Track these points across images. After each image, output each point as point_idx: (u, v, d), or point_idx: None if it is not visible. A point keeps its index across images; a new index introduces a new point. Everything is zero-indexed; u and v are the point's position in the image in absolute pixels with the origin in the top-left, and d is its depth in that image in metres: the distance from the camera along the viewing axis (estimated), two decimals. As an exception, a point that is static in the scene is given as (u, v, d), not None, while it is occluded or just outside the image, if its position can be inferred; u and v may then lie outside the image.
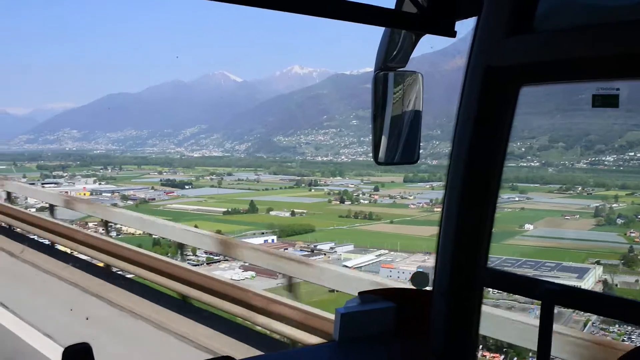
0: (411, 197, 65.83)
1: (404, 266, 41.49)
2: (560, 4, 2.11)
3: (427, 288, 2.77)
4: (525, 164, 66.91)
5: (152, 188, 72.74)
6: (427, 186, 67.28)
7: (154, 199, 68.14)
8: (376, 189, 70.16)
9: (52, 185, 69.60)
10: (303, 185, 75.02)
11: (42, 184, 69.83)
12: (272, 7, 2.04)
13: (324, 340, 4.62)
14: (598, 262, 39.72)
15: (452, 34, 2.44)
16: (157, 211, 62.34)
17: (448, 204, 2.43)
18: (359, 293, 2.87)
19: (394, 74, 2.67)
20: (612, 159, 58.98)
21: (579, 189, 60.37)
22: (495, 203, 2.38)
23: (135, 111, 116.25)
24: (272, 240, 50.50)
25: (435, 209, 57.86)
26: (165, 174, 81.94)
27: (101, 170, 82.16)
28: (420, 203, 62.21)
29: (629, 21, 1.82)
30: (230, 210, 62.39)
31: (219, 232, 50.71)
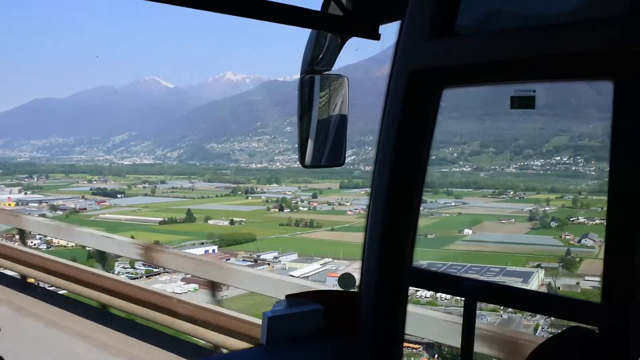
0: (348, 204, 65.22)
1: (350, 274, 40.47)
2: (479, 9, 2.15)
3: (354, 289, 2.74)
4: (457, 169, 67.73)
5: (83, 197, 68.86)
6: (362, 192, 66.74)
7: (85, 209, 64.44)
8: (314, 196, 69.08)
9: (-27, 195, 65.04)
10: (239, 192, 72.98)
11: (-38, 194, 65.13)
12: (192, 6, 1.93)
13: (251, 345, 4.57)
14: (539, 266, 39.99)
15: (376, 36, 2.40)
16: (90, 222, 58.87)
17: (373, 206, 2.45)
18: (287, 296, 2.82)
19: (320, 77, 2.61)
20: (540, 164, 60.40)
21: (511, 193, 61.39)
22: (420, 204, 2.41)
23: (63, 117, 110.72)
24: (213, 250, 48.29)
25: (375, 215, 57.43)
26: (95, 182, 77.98)
27: (26, 179, 77.29)
28: (357, 209, 61.32)
29: (544, 25, 1.92)
30: (166, 219, 59.67)
31: (156, 242, 48.35)
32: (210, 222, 59.56)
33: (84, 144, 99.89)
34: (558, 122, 56.28)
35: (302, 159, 2.66)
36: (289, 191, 71.42)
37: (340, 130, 2.71)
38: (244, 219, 60.29)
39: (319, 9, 2.45)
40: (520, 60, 1.96)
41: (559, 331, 2.15)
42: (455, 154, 67.90)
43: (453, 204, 60.39)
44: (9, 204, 63.72)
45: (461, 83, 2.28)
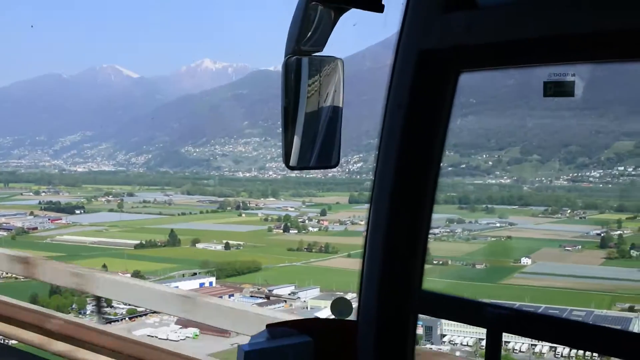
0: (362, 222, 62.95)
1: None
2: None
3: (351, 317, 2.68)
4: (494, 181, 65.96)
5: (31, 214, 65.54)
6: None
7: (35, 228, 61.14)
8: (323, 213, 66.65)
9: None
10: (229, 208, 70.20)
11: None
12: None
13: None
14: (632, 309, 37.84)
15: (378, 8, 2.37)
16: (44, 244, 55.85)
17: (374, 217, 2.35)
18: (267, 325, 2.67)
19: (308, 59, 2.47)
20: (599, 175, 58.91)
21: (568, 211, 59.53)
22: (431, 213, 2.25)
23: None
24: (210, 283, 45.33)
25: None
26: (44, 194, 74.73)
27: (-47, 191, 74.07)
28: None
29: None
30: (144, 242, 56.43)
31: (137, 273, 45.40)
32: (199, 245, 56.45)
33: (25, 146, 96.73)
34: (621, 123, 54.64)
35: (286, 158, 2.45)
36: (292, 207, 68.82)
37: (334, 124, 2.52)
38: (241, 242, 57.34)
39: None
40: (559, 36, 1.83)
41: None
42: (490, 162, 66.36)
43: (498, 224, 58.30)
44: None
45: (483, 65, 2.13)
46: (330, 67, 2.54)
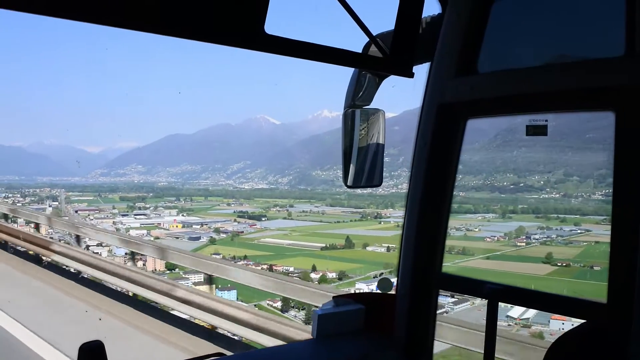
0: (476, 230, 53.51)
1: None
2: (497, 51, 2.05)
3: (391, 292, 2.51)
4: (546, 196, 56.58)
5: (235, 220, 58.78)
6: (479, 217, 55.47)
7: (242, 232, 54.25)
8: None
9: (142, 216, 55.90)
10: (368, 217, 62.08)
11: (135, 215, 56.21)
12: (266, 50, 1.74)
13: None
14: None
15: (410, 75, 2.25)
16: (254, 245, 48.93)
17: (408, 220, 2.26)
18: (334, 297, 2.55)
19: (360, 110, 2.40)
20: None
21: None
22: (448, 219, 2.19)
23: (190, 149, 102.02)
24: (399, 281, 37.73)
25: (518, 243, 46.57)
26: (233, 205, 68.08)
27: (175, 202, 67.74)
28: (494, 236, 50.01)
29: (553, 64, 1.84)
30: (327, 245, 48.55)
31: (343, 273, 37.73)
32: (368, 248, 48.48)
33: (209, 171, 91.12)
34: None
35: (345, 180, 2.38)
36: (410, 216, 60.42)
37: (377, 156, 2.38)
38: (394, 245, 49.44)
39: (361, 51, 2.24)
40: (533, 94, 1.84)
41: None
42: (541, 182, 56.88)
43: (579, 230, 48.59)
44: (176, 226, 54.36)
45: (482, 115, 2.09)
46: (375, 116, 2.33)
